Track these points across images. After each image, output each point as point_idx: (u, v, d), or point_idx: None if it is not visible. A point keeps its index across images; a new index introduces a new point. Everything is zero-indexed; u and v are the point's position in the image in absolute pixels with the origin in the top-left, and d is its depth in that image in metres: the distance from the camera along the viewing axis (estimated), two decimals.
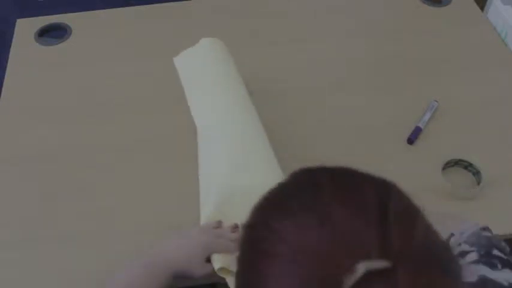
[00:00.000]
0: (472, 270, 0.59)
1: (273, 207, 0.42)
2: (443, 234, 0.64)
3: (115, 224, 0.88)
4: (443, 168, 0.94)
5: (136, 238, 0.86)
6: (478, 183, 0.92)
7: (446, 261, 0.39)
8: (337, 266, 0.35)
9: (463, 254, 0.62)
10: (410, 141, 0.98)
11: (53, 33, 1.22)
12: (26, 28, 1.22)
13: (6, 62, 1.15)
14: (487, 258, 0.60)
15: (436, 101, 1.05)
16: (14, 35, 1.21)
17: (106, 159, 0.97)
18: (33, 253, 0.85)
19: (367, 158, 0.98)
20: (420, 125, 1.00)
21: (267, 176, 0.83)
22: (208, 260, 0.75)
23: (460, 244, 0.63)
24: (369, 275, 0.34)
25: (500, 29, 1.21)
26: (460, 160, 0.95)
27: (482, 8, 1.29)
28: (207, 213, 0.83)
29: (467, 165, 0.95)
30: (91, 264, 0.83)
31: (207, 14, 1.26)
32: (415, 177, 0.94)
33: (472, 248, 0.62)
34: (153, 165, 0.96)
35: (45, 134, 1.01)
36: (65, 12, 1.26)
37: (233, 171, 0.84)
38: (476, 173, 0.94)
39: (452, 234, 0.65)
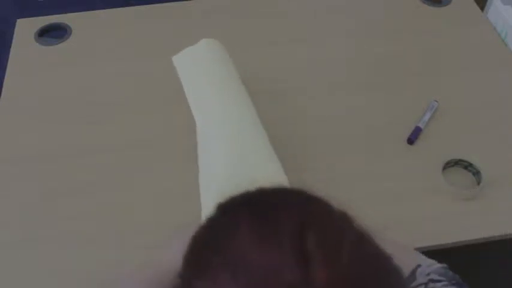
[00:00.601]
0: None
1: (194, 262, 0.41)
2: (408, 265, 0.64)
3: (115, 224, 0.88)
4: (443, 168, 0.94)
5: (136, 238, 0.86)
6: (478, 183, 0.92)
7: (381, 267, 0.37)
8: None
9: (434, 281, 0.62)
10: (410, 141, 0.98)
11: (53, 33, 1.22)
12: (26, 28, 1.22)
13: (6, 62, 1.15)
14: (458, 287, 0.61)
15: (436, 101, 1.05)
16: (14, 35, 1.21)
17: (106, 159, 0.97)
18: (33, 253, 0.85)
19: (367, 158, 0.98)
20: (420, 125, 1.00)
21: (267, 171, 0.84)
22: None
23: (429, 274, 0.64)
24: None
25: (500, 29, 1.21)
26: (460, 160, 0.95)
27: (482, 8, 1.29)
28: (209, 211, 0.83)
29: (467, 165, 0.95)
30: (91, 264, 0.83)
31: (207, 14, 1.26)
32: (415, 177, 0.94)
33: (442, 278, 0.63)
34: (153, 165, 0.96)
35: (45, 134, 1.01)
36: (65, 12, 1.26)
37: (233, 168, 0.85)
38: (476, 173, 0.94)
39: (419, 265, 0.65)
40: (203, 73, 0.97)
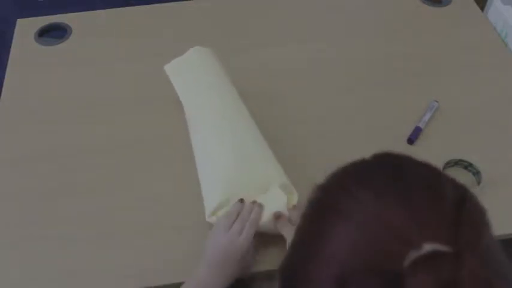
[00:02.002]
0: None
1: (354, 176, 0.43)
2: None
3: (115, 224, 0.88)
4: (443, 168, 0.94)
5: (136, 238, 0.86)
6: (478, 183, 0.92)
7: (507, 273, 0.40)
8: (405, 241, 0.36)
9: None
10: (411, 141, 0.98)
11: (53, 33, 1.22)
12: (26, 28, 1.22)
13: (6, 62, 1.15)
14: None
15: (436, 101, 1.05)
16: (14, 35, 1.21)
17: (106, 159, 0.97)
18: (33, 253, 0.85)
19: None
20: (420, 125, 1.00)
21: (268, 171, 0.85)
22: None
23: None
24: (434, 255, 0.35)
25: (500, 29, 1.21)
26: (460, 160, 0.95)
27: (482, 8, 1.29)
28: (212, 205, 0.83)
29: (467, 165, 0.95)
30: (91, 264, 0.83)
31: (207, 14, 1.26)
32: None
33: None
34: (153, 165, 0.96)
35: (45, 134, 1.01)
36: (65, 12, 1.26)
37: (233, 164, 0.85)
38: (476, 173, 0.94)
39: None
40: (194, 82, 0.97)
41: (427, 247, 0.36)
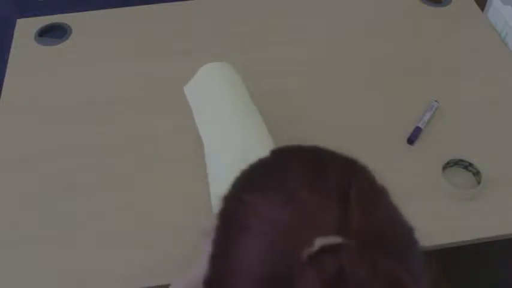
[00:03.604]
0: None
1: (243, 181, 0.44)
2: None
3: (115, 224, 0.88)
4: (444, 168, 0.94)
5: (137, 238, 0.86)
6: (478, 183, 0.92)
7: (400, 247, 0.40)
8: (298, 240, 0.37)
9: None
10: (410, 141, 0.98)
11: (53, 33, 1.22)
12: (26, 28, 1.22)
13: (6, 62, 1.15)
14: None
15: (436, 101, 1.05)
16: (14, 35, 1.21)
17: (106, 159, 0.97)
18: (33, 253, 0.85)
19: (367, 158, 0.98)
20: (420, 125, 1.00)
21: None
22: None
23: None
24: (323, 250, 0.35)
25: (500, 29, 1.22)
26: (460, 160, 0.95)
27: (482, 8, 1.29)
28: (217, 190, 0.81)
29: (467, 165, 0.95)
30: (91, 264, 0.83)
31: (207, 14, 1.26)
32: (415, 177, 0.94)
33: None
34: (153, 165, 0.96)
35: (45, 134, 1.01)
36: (65, 12, 1.26)
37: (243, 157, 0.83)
38: (476, 173, 0.94)
39: None
40: (212, 102, 0.91)
41: (318, 242, 0.36)
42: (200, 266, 0.71)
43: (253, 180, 0.43)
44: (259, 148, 0.87)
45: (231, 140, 0.87)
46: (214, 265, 0.42)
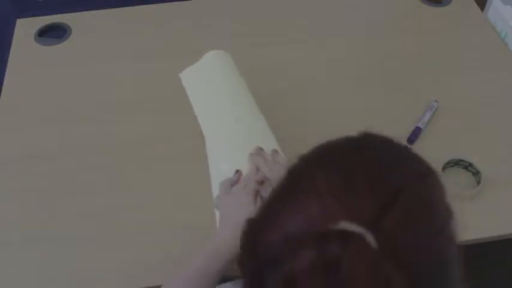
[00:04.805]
0: None
1: (321, 153, 0.50)
2: None
3: (115, 224, 0.88)
4: (444, 168, 0.94)
5: (137, 238, 0.86)
6: (478, 183, 0.92)
7: (420, 273, 0.39)
8: (329, 216, 0.39)
9: None
10: (410, 141, 0.98)
11: (53, 33, 1.22)
12: (26, 28, 1.22)
13: (6, 62, 1.15)
14: None
15: (436, 101, 1.05)
16: (14, 35, 1.21)
17: (106, 159, 0.97)
18: (33, 253, 0.85)
19: None
20: (420, 125, 1.00)
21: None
22: None
23: None
24: (343, 233, 0.37)
25: (500, 29, 1.22)
26: (460, 160, 0.95)
27: (482, 8, 1.29)
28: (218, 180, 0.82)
29: (467, 165, 0.95)
30: (91, 264, 0.83)
31: (207, 14, 1.26)
32: None
33: None
34: (153, 165, 0.96)
35: (45, 134, 1.01)
36: (65, 12, 1.26)
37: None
38: (476, 173, 0.94)
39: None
40: (210, 89, 0.93)
41: (342, 225, 0.37)
42: (219, 235, 0.73)
43: (326, 156, 0.48)
44: (260, 137, 0.87)
45: (232, 129, 0.88)
46: (265, 210, 0.45)
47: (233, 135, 0.88)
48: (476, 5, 1.27)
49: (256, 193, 0.76)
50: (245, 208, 0.74)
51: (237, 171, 0.81)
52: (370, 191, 0.40)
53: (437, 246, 0.41)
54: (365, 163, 0.44)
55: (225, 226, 0.75)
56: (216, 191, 0.83)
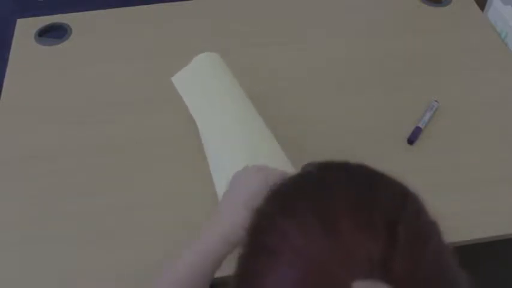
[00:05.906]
0: None
1: (280, 201, 0.41)
2: None
3: (115, 224, 0.88)
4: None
5: (137, 238, 0.86)
6: None
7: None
8: (333, 279, 0.33)
9: None
10: (410, 141, 0.98)
11: (53, 33, 1.22)
12: (26, 28, 1.22)
13: (6, 62, 1.15)
14: None
15: (436, 101, 1.05)
16: (14, 35, 1.21)
17: (106, 159, 0.97)
18: (33, 253, 0.85)
19: (367, 158, 0.98)
20: (420, 125, 1.00)
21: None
22: None
23: None
24: None
25: (500, 29, 1.22)
26: None
27: (482, 8, 1.29)
28: (222, 183, 0.81)
29: None
30: (91, 264, 0.83)
31: (207, 14, 1.26)
32: (415, 177, 0.94)
33: None
34: (153, 166, 0.96)
35: (45, 134, 1.01)
36: (65, 12, 1.26)
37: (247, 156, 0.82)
38: None
39: None
40: (205, 90, 0.93)
41: (358, 287, 0.32)
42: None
43: (291, 201, 0.39)
44: (259, 138, 0.87)
45: (231, 130, 0.87)
46: (239, 283, 0.39)
47: (231, 134, 0.88)
48: (476, 5, 1.27)
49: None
50: (255, 187, 0.65)
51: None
52: (361, 235, 0.35)
53: (445, 265, 0.39)
54: (340, 204, 0.37)
55: (232, 204, 0.67)
56: (220, 189, 0.83)
